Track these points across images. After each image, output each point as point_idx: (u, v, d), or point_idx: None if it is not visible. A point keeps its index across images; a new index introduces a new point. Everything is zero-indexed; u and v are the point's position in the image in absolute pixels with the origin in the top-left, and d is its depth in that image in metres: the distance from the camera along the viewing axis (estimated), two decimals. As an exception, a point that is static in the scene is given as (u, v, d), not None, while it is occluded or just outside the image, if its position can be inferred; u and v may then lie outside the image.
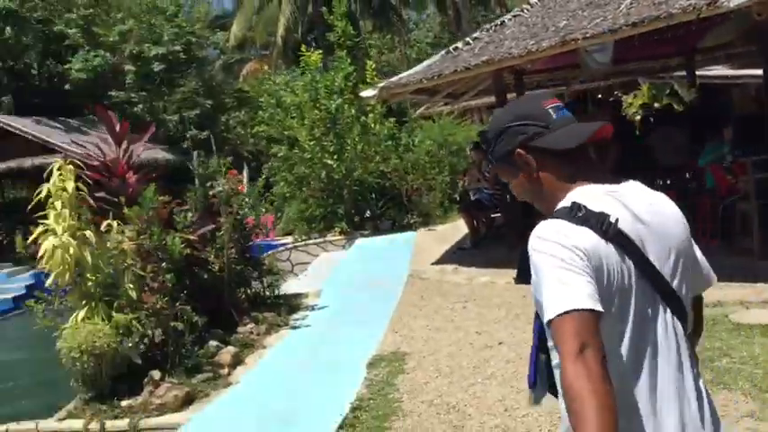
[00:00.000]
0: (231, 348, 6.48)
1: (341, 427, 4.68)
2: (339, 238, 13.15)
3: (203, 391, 5.68)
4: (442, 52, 10.08)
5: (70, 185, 5.87)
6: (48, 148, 22.93)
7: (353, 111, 12.77)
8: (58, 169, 5.93)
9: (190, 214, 6.90)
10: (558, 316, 1.35)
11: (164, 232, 6.44)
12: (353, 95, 12.65)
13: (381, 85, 9.14)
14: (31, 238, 5.87)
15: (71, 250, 5.74)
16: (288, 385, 5.73)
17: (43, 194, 5.93)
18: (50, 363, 14.98)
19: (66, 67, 23.93)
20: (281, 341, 6.99)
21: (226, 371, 6.11)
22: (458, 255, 9.95)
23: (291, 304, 8.27)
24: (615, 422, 1.26)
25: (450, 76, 8.74)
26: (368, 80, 12.90)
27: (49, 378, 13.38)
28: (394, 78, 10.00)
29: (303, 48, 14.38)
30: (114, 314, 5.84)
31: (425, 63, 10.11)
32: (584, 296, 1.35)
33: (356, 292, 8.90)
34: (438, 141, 14.17)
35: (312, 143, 12.69)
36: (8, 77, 25.09)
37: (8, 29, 23.38)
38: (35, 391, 12.20)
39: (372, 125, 12.90)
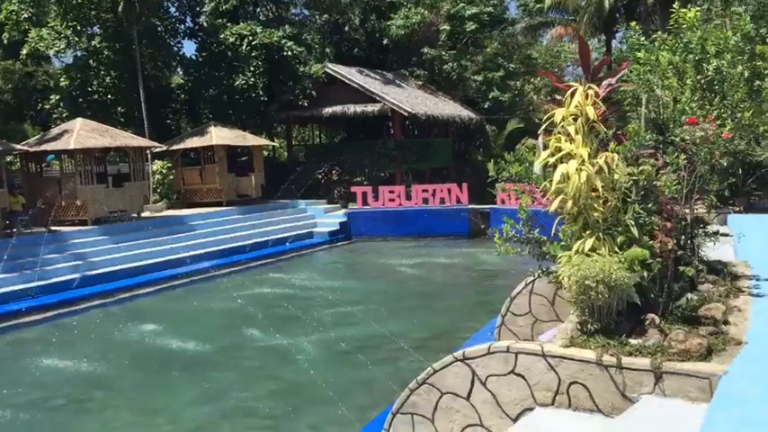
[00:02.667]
0: (719, 305, 5.96)
1: None
2: (703, 212, 12.13)
3: (717, 345, 5.24)
4: None
5: (590, 111, 5.66)
6: (368, 97, 24.28)
7: (746, 72, 11.56)
8: (576, 93, 5.74)
9: (682, 155, 6.45)
10: None
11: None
12: (749, 54, 11.47)
13: None
14: (541, 158, 5.77)
15: (583, 176, 5.56)
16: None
17: (557, 118, 5.80)
18: (379, 291, 15.96)
19: (388, 23, 24.98)
20: (756, 305, 6.34)
21: (723, 327, 5.62)
22: None
23: (727, 270, 7.58)
24: None
25: None
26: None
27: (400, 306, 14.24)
28: None
29: (676, 4, 13.42)
30: (617, 250, 5.61)
31: None
32: None
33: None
34: None
35: (693, 106, 11.72)
36: (332, 29, 26.86)
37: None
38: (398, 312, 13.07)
39: (769, 89, 11.60)
